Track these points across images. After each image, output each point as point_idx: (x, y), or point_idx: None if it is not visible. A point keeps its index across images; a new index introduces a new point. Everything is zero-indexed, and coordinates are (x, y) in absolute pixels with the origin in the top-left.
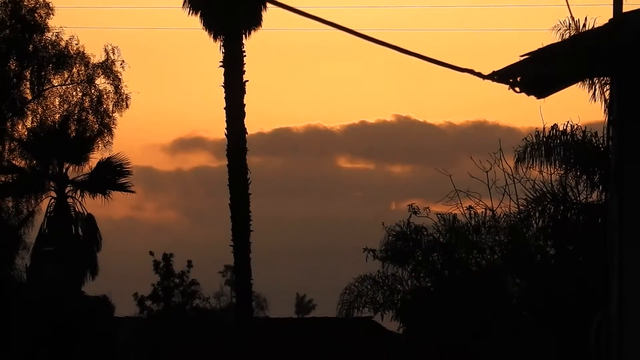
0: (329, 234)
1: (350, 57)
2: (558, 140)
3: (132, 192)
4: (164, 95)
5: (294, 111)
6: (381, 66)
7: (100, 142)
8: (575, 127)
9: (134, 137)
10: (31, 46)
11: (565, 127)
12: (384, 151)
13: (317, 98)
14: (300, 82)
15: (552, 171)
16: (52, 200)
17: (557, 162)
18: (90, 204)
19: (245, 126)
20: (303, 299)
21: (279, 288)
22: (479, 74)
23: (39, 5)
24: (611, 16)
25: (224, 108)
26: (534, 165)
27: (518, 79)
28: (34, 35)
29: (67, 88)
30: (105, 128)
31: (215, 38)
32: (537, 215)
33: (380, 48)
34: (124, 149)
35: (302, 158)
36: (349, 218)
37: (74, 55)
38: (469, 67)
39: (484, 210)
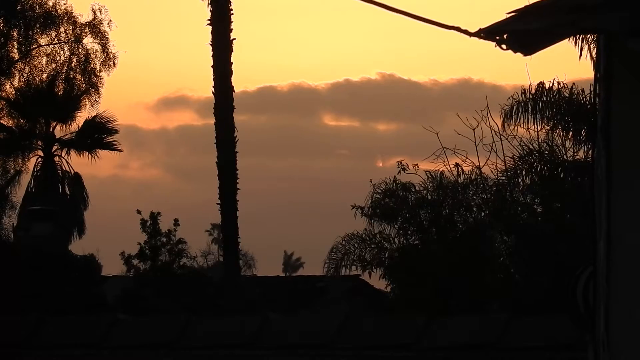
0: (316, 192)
1: (334, 15)
2: (545, 98)
3: (119, 150)
4: (150, 54)
5: (278, 70)
6: (365, 23)
7: (87, 101)
8: (562, 84)
9: (119, 96)
10: (19, 6)
11: (551, 85)
12: (369, 109)
13: (301, 56)
14: (284, 40)
15: (539, 128)
16: (39, 159)
17: (543, 119)
18: (77, 163)
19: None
20: (291, 257)
21: (267, 246)
22: (465, 32)
23: None
24: None
25: (212, 66)
26: (521, 122)
27: (505, 36)
28: None
29: (54, 48)
30: (93, 87)
31: None
32: (523, 172)
33: (364, 5)
34: (110, 107)
35: (287, 116)
36: (335, 176)
37: (62, 15)
38: (455, 25)
39: (471, 167)
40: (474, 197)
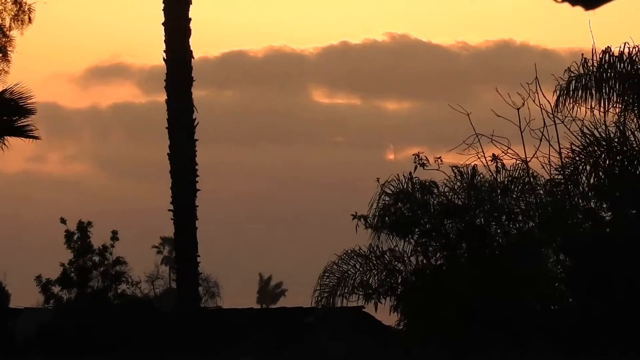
0: (303, 194)
1: None
2: (614, 68)
3: (36, 137)
4: (78, 8)
5: (250, 29)
6: None
7: None
8: (636, 50)
9: (36, 64)
10: None
11: (622, 50)
12: (375, 82)
13: (282, 11)
14: None
15: (607, 109)
16: None
17: (613, 97)
18: None
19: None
20: (268, 282)
21: (236, 268)
22: None
23: None
24: None
25: (163, 24)
26: (583, 101)
27: None
28: None
29: None
30: (0, 51)
31: None
32: (587, 168)
33: None
34: (24, 79)
35: (262, 92)
36: (329, 173)
37: None
38: None
39: (514, 161)
40: (519, 202)
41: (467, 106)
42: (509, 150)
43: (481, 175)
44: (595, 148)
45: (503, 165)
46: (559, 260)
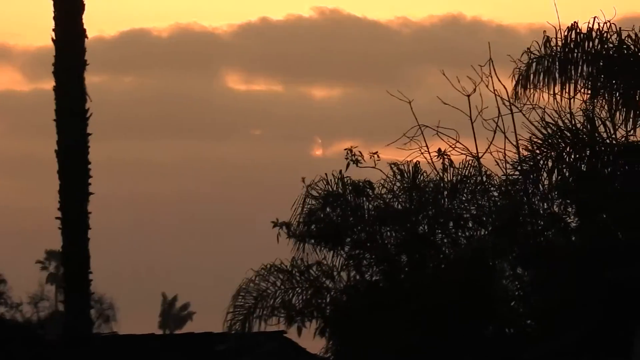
0: (214, 197)
1: None
2: (581, 48)
3: None
4: None
5: (153, 4)
6: None
7: None
8: (608, 26)
9: None
10: None
11: (590, 27)
12: (300, 65)
13: None
14: None
15: (573, 95)
16: None
17: (580, 81)
18: None
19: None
20: (173, 303)
21: (136, 287)
22: None
23: None
24: None
25: None
26: (544, 86)
27: None
28: None
29: None
30: None
31: None
32: (549, 164)
33: None
34: None
35: (168, 78)
36: (244, 171)
37: None
38: None
39: (464, 157)
40: (469, 206)
41: (408, 93)
42: (458, 145)
43: (425, 174)
44: (559, 140)
45: (451, 162)
46: (516, 274)
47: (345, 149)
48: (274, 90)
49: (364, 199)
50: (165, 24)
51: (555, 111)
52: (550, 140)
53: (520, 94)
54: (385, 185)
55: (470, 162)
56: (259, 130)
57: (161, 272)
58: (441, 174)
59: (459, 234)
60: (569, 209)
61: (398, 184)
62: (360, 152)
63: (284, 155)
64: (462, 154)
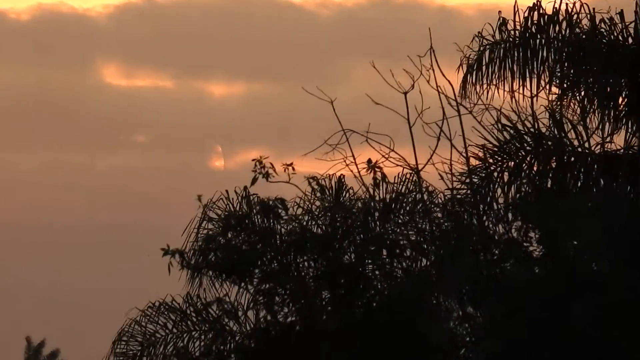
0: (87, 218)
1: None
2: (545, 33)
3: None
4: None
5: None
6: None
7: None
8: (577, 6)
9: None
10: None
11: (557, 7)
12: (194, 55)
13: None
14: None
15: (536, 92)
16: None
17: (545, 74)
18: None
19: None
20: (40, 350)
21: None
22: None
23: None
24: None
25: None
26: (500, 81)
27: None
28: None
29: None
30: None
31: None
32: (505, 177)
33: None
34: None
35: (29, 70)
36: (126, 187)
37: None
38: None
39: (400, 170)
40: (407, 230)
41: (330, 90)
42: (393, 154)
43: (352, 191)
44: (518, 147)
45: (384, 175)
46: (466, 315)
47: (252, 160)
48: (162, 86)
49: (276, 221)
50: (24, 3)
51: (514, 112)
52: (507, 148)
53: (470, 90)
54: (302, 205)
55: (408, 175)
56: (143, 137)
57: (24, 310)
58: (371, 191)
59: (395, 264)
60: (531, 234)
61: (318, 202)
62: (271, 163)
63: (174, 167)
64: (397, 165)
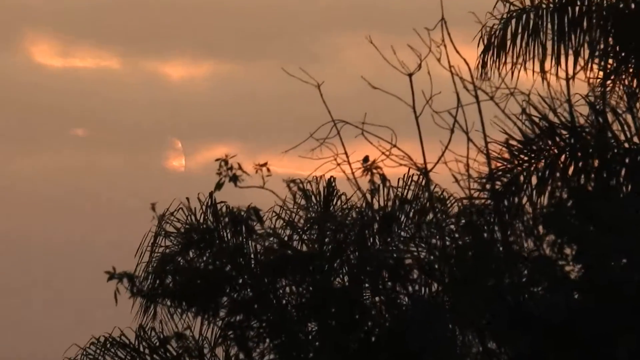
0: (19, 230)
1: None
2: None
3: None
4: None
5: None
6: None
7: None
8: None
9: None
10: None
11: None
12: (146, 29)
13: None
14: None
15: (574, 72)
16: None
17: (585, 50)
18: None
19: None
20: None
21: None
22: None
23: None
24: None
25: None
26: (529, 58)
27: None
28: None
29: None
30: None
31: None
32: (535, 180)
33: None
34: None
35: None
36: (62, 192)
37: None
38: None
39: (405, 171)
40: (413, 245)
41: (316, 72)
42: (395, 151)
43: (344, 197)
44: (550, 144)
45: (384, 178)
46: (488, 351)
47: (217, 160)
48: (106, 67)
49: (249, 236)
50: None
51: (544, 99)
52: (536, 143)
53: (491, 71)
54: (282, 215)
55: (414, 177)
56: (83, 130)
57: None
58: (369, 197)
59: (398, 289)
60: (567, 250)
61: (302, 212)
62: (238, 164)
63: (121, 168)
64: (401, 164)
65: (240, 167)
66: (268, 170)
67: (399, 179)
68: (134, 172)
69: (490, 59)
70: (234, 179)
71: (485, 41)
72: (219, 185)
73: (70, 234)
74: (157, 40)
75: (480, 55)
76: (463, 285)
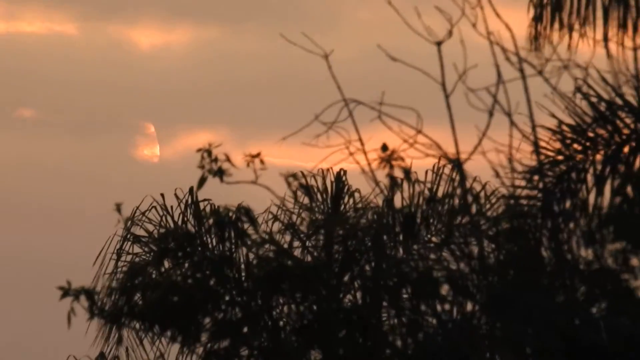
0: None
1: None
2: None
3: None
4: None
5: None
6: None
7: None
8: None
9: None
10: None
11: None
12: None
13: None
14: None
15: None
16: None
17: None
18: None
19: None
20: None
21: None
22: None
23: None
24: None
25: None
26: (589, 23)
27: None
28: None
29: None
30: None
31: None
32: (594, 173)
33: None
34: None
35: None
36: (2, 188)
37: None
38: None
39: (432, 162)
40: (442, 255)
41: (323, 39)
42: (421, 138)
43: (357, 195)
44: (611, 129)
45: (407, 171)
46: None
47: (199, 150)
48: (61, 33)
49: (239, 242)
50: None
51: (604, 75)
52: (595, 131)
53: (542, 39)
54: (280, 217)
55: (443, 171)
56: (32, 110)
57: None
58: (388, 194)
59: (424, 309)
60: (635, 261)
61: (304, 213)
62: (226, 155)
63: (80, 157)
64: (427, 155)
65: (228, 159)
66: (262, 162)
67: (426, 172)
68: (94, 163)
69: (540, 24)
70: (220, 173)
71: (534, 3)
72: (202, 181)
73: (12, 242)
74: (123, 3)
75: (530, 20)
76: (505, 304)
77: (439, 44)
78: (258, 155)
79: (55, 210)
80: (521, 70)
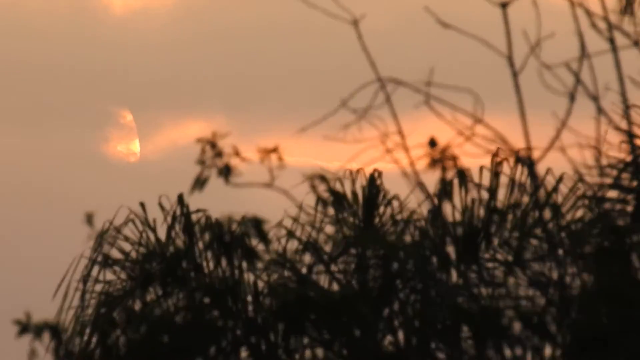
0: None
1: None
2: None
3: None
4: None
5: None
6: None
7: None
8: None
9: None
10: None
11: None
12: None
13: None
14: None
15: None
16: None
17: None
18: None
19: None
20: None
21: None
22: None
23: None
24: None
25: None
26: None
27: None
28: None
29: None
30: None
31: None
32: None
33: None
34: None
35: None
36: None
37: None
38: None
39: (496, 159)
40: (506, 278)
41: (353, 2)
42: (480, 129)
43: (397, 203)
44: None
45: (462, 173)
46: None
47: (199, 140)
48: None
49: (248, 265)
50: None
51: None
52: None
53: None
54: (299, 233)
55: (514, 170)
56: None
57: None
58: (438, 202)
59: (487, 353)
60: None
61: (332, 227)
62: (235, 148)
63: (34, 154)
64: (489, 152)
65: (237, 154)
66: (281, 159)
67: (480, 171)
68: (55, 161)
69: None
70: (226, 172)
71: None
72: (199, 183)
73: None
74: None
75: None
76: (594, 347)
77: (504, 5)
78: (275, 149)
79: (15, 219)
80: (611, 41)
